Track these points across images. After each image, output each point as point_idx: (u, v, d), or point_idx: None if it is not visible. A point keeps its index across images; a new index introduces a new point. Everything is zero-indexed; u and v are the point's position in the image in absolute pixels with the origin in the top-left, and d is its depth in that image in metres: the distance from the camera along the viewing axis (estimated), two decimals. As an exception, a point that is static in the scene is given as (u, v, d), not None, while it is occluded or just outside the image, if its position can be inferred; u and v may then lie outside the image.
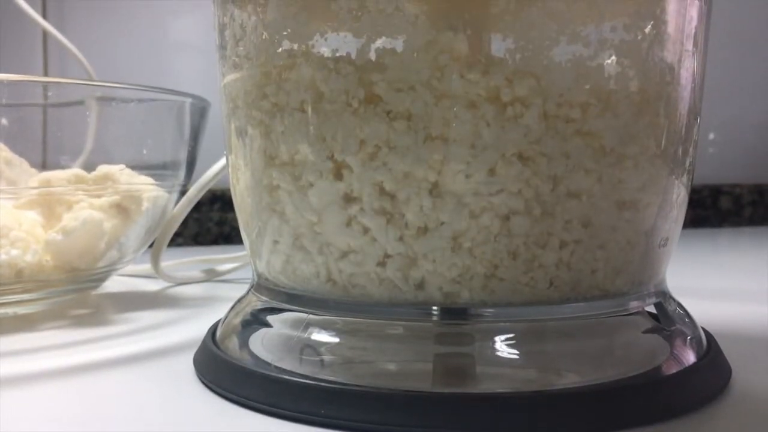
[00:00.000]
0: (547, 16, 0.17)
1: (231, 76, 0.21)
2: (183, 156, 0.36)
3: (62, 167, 0.33)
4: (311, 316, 0.20)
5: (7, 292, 0.30)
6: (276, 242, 0.21)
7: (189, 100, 0.35)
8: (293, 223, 0.20)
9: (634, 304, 0.20)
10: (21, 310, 0.31)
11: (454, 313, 0.19)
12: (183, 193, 0.37)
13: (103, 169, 0.32)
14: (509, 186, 0.18)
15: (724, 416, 0.18)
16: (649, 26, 0.18)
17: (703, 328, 0.22)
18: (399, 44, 0.18)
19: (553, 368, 0.19)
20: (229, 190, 0.24)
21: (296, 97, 0.19)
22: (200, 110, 0.36)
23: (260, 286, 0.22)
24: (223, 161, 0.36)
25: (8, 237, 0.29)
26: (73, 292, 0.33)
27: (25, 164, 0.34)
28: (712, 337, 0.22)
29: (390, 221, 0.18)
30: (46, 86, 0.34)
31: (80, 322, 0.30)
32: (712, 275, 0.44)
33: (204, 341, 0.23)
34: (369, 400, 0.17)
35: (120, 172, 0.33)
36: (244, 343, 0.21)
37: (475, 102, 0.17)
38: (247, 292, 0.23)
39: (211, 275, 0.42)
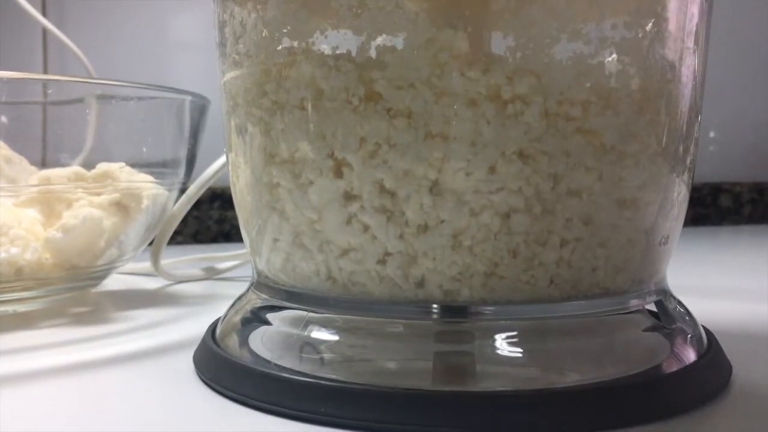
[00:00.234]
0: (548, 13, 0.17)
1: (231, 74, 0.21)
2: (183, 154, 0.36)
3: (62, 165, 0.33)
4: (311, 314, 0.20)
5: (6, 290, 0.30)
6: (276, 240, 0.21)
7: (189, 98, 0.35)
8: (293, 221, 0.20)
9: (634, 303, 0.20)
10: (21, 308, 0.31)
11: (454, 311, 0.19)
12: (183, 191, 0.37)
13: (102, 167, 0.32)
14: (509, 184, 0.18)
15: (725, 414, 0.18)
16: (650, 24, 0.18)
17: (703, 326, 0.22)
18: (399, 42, 0.18)
19: (553, 366, 0.19)
20: (229, 188, 0.24)
21: (296, 94, 0.19)
22: (200, 108, 0.36)
23: (260, 284, 0.22)
24: (222, 159, 0.36)
25: (8, 235, 0.29)
26: (72, 290, 0.33)
27: (25, 162, 0.34)
28: (713, 335, 0.22)
29: (390, 219, 0.18)
30: (45, 84, 0.34)
31: (80, 320, 0.30)
32: (711, 273, 0.44)
33: (204, 339, 0.23)
34: (369, 399, 0.17)
35: (120, 170, 0.33)
36: (243, 341, 0.21)
37: (475, 100, 0.17)
38: (247, 290, 0.23)
39: (211, 273, 0.42)
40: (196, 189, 0.36)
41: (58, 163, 0.33)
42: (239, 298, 0.24)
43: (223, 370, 0.20)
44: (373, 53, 0.18)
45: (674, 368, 0.19)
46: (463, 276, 0.18)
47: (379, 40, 0.18)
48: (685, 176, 0.21)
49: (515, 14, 0.17)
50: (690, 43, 0.20)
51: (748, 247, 0.61)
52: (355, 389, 0.18)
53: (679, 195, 0.21)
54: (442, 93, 0.17)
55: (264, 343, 0.21)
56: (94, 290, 0.37)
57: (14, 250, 0.29)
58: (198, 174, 0.37)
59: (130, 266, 0.41)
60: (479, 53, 0.17)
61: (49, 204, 0.32)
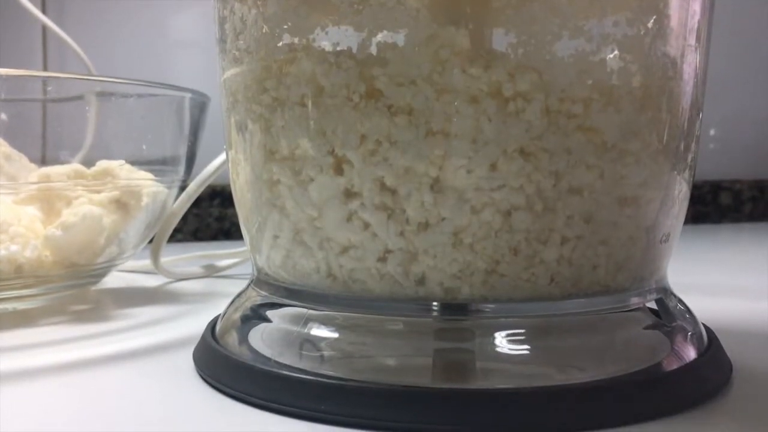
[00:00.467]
0: (549, 10, 0.17)
1: (231, 70, 0.21)
2: (182, 151, 0.36)
3: (62, 162, 0.33)
4: (311, 311, 0.20)
5: (6, 287, 0.30)
6: (276, 237, 0.21)
7: (188, 96, 0.35)
8: (293, 218, 0.20)
9: (635, 300, 0.20)
10: (20, 305, 0.31)
11: (455, 308, 0.19)
12: (182, 188, 0.37)
13: (102, 164, 0.32)
14: (511, 181, 0.18)
15: (725, 412, 0.18)
16: (652, 21, 0.18)
17: (703, 324, 0.22)
18: (400, 38, 0.18)
19: (553, 364, 0.18)
20: (228, 185, 0.24)
21: (297, 91, 0.19)
22: (200, 105, 0.36)
23: (260, 281, 0.22)
24: (222, 156, 0.36)
25: (7, 232, 0.29)
26: (72, 288, 0.33)
27: (25, 159, 0.34)
28: (713, 332, 0.22)
29: (391, 216, 0.18)
30: (45, 81, 0.34)
31: (80, 317, 0.30)
32: (712, 271, 0.44)
33: (203, 336, 0.23)
34: (368, 396, 0.17)
35: (119, 167, 0.33)
36: (243, 339, 0.21)
37: (476, 97, 0.17)
38: (247, 287, 0.23)
39: (211, 271, 0.42)
40: (196, 186, 0.36)
41: (57, 161, 0.33)
42: (239, 295, 0.24)
43: (223, 367, 0.20)
44: (374, 50, 0.18)
45: (674, 366, 0.19)
46: (464, 273, 0.18)
47: (380, 36, 0.18)
48: (686, 174, 0.21)
49: (517, 11, 0.17)
50: (692, 40, 0.20)
51: (748, 245, 0.61)
52: (355, 386, 0.18)
53: (680, 192, 0.21)
54: (443, 90, 0.17)
55: (264, 340, 0.21)
56: (94, 288, 0.37)
57: (14, 248, 0.29)
58: (198, 171, 0.37)
59: (130, 264, 0.41)
60: (481, 50, 0.17)
61: (48, 201, 0.32)
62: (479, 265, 0.18)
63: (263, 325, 0.21)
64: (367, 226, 0.19)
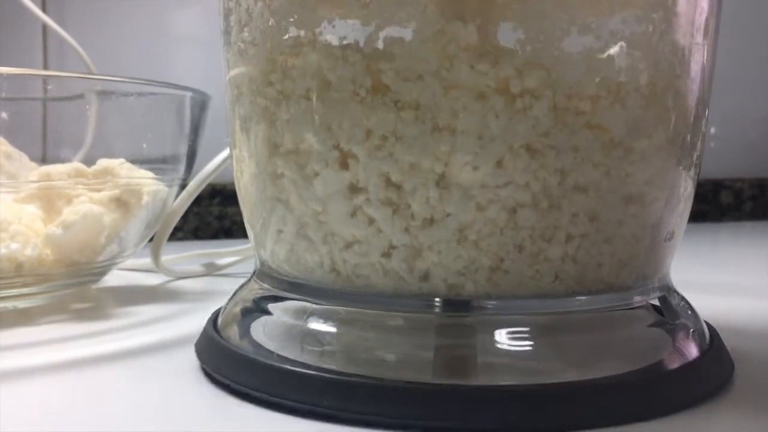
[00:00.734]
0: (558, 6, 0.17)
1: (235, 63, 0.21)
2: (183, 150, 0.36)
3: (62, 161, 0.33)
4: (313, 305, 0.20)
5: (7, 286, 0.30)
6: (280, 231, 0.20)
7: (189, 94, 0.35)
8: (298, 213, 0.20)
9: (638, 298, 0.20)
10: (21, 304, 0.31)
11: (458, 305, 0.19)
12: (183, 187, 0.37)
13: (103, 163, 0.32)
14: (516, 178, 0.18)
15: (727, 410, 0.18)
16: (660, 17, 0.18)
17: (705, 322, 0.22)
18: (408, 33, 0.17)
19: (556, 361, 0.18)
20: (229, 184, 0.24)
21: (302, 84, 0.19)
22: (200, 104, 0.36)
23: (263, 273, 0.22)
24: (223, 155, 0.36)
25: (8, 231, 0.29)
26: (73, 286, 0.33)
27: (25, 158, 0.33)
28: (715, 330, 0.22)
29: (396, 212, 0.18)
30: (45, 80, 0.34)
31: (80, 316, 0.30)
32: (712, 269, 0.44)
33: (205, 329, 0.23)
34: (370, 390, 0.17)
35: (120, 166, 0.32)
36: (245, 332, 0.21)
37: (484, 93, 0.17)
38: (249, 280, 0.23)
39: (211, 269, 0.42)
40: (196, 185, 0.36)
41: (58, 159, 0.33)
42: (241, 287, 0.23)
43: (224, 359, 0.20)
44: (381, 44, 0.18)
45: (677, 364, 0.19)
46: (468, 270, 0.18)
47: (388, 30, 0.18)
48: (692, 172, 0.21)
49: (525, 6, 0.17)
50: (699, 37, 0.20)
51: (749, 244, 0.61)
52: (356, 381, 0.18)
53: (685, 191, 0.21)
54: (451, 85, 0.17)
55: (266, 333, 0.20)
56: (94, 286, 0.37)
57: (14, 246, 0.29)
58: (198, 170, 0.37)
59: (131, 262, 0.41)
60: (488, 46, 0.17)
61: (49, 200, 0.32)
62: (484, 262, 0.18)
63: (264, 318, 0.21)
64: (371, 221, 0.18)
